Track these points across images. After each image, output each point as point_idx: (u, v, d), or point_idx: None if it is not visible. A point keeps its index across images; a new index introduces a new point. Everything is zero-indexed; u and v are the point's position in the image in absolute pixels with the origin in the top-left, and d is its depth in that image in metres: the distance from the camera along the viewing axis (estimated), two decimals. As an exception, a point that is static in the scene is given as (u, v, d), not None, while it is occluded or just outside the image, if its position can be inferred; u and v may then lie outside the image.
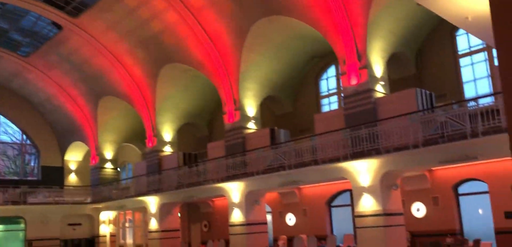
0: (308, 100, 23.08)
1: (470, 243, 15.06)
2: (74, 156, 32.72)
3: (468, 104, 14.19)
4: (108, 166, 30.38)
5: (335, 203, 20.96)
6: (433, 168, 16.63)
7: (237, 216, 20.39)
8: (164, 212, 24.45)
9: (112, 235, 29.03)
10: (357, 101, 16.60)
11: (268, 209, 22.82)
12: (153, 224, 24.75)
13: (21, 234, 27.06)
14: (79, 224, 29.21)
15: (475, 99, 14.88)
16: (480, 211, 16.59)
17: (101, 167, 29.96)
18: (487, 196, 15.80)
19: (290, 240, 20.97)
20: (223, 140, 22.18)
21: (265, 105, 23.28)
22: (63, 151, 32.43)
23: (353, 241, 18.10)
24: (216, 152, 22.49)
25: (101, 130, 29.39)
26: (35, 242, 26.57)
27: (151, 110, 25.58)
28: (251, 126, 21.72)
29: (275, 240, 22.24)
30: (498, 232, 15.13)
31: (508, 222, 14.65)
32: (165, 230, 24.44)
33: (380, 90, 16.87)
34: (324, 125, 17.85)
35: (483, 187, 15.95)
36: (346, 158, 15.90)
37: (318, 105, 22.81)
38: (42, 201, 27.61)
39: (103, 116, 28.90)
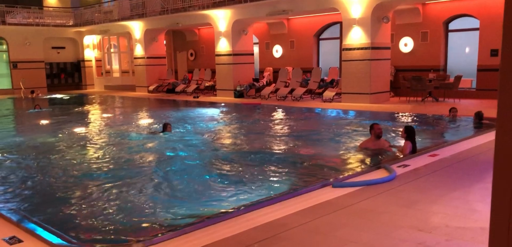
0: None
1: (451, 79, 15.37)
2: (50, -26, 30.61)
3: None
4: (88, -13, 28.82)
5: (323, 35, 20.67)
6: (427, 2, 16.08)
7: (223, 46, 20.14)
8: (148, 38, 24.02)
9: (97, 60, 28.90)
10: None
11: (255, 40, 22.51)
12: (139, 51, 24.49)
13: (4, 55, 26.68)
14: (63, 47, 28.78)
15: None
16: (467, 49, 16.61)
17: (80, -12, 28.39)
18: (476, 33, 15.62)
19: (275, 72, 21.16)
20: (210, -38, 20.70)
21: None
22: (38, -32, 30.18)
23: (338, 74, 18.31)
24: (202, -25, 21.18)
25: None
26: (20, 64, 26.37)
27: None
28: None
29: (261, 71, 22.41)
30: (480, 69, 15.35)
31: (491, 60, 14.76)
32: (151, 57, 24.34)
33: None
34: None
35: (475, 23, 15.67)
36: (339, -13, 15.17)
37: None
38: (21, 22, 26.68)
39: None
